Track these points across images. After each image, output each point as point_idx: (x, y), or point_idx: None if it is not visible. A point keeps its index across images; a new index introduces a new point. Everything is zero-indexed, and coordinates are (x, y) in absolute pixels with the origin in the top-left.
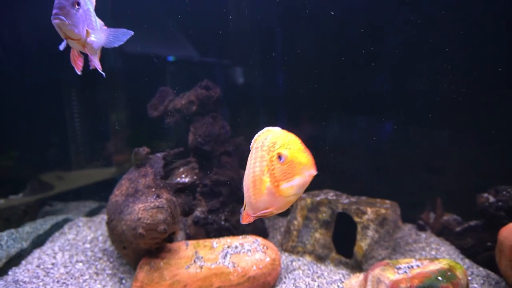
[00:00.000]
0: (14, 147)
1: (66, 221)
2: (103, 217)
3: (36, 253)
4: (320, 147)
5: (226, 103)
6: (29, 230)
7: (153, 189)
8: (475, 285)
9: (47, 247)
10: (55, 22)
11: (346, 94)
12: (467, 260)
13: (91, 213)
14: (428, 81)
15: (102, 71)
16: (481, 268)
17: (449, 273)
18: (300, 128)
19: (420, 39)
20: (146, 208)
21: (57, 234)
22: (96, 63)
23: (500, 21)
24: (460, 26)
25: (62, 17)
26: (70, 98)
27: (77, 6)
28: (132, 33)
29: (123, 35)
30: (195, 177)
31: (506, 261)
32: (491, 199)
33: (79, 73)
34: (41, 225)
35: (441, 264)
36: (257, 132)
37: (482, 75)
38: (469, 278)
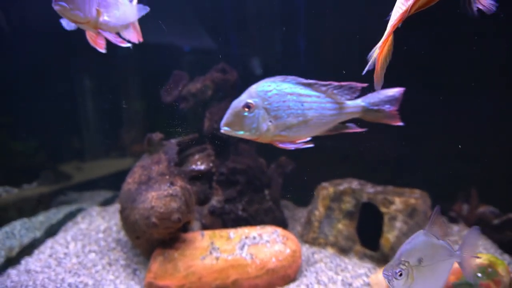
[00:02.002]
0: (34, 136)
1: (79, 210)
2: (117, 207)
3: (49, 242)
4: (343, 133)
5: (244, 88)
6: (42, 219)
7: (167, 177)
8: None
9: (60, 236)
10: (56, 8)
11: (371, 77)
12: (506, 256)
13: (105, 203)
14: (466, 66)
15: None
16: None
17: (489, 270)
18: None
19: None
20: (159, 196)
21: (70, 223)
22: (116, 41)
23: None
24: None
25: (62, 3)
26: (86, 87)
27: None
28: (148, 9)
29: (140, 10)
30: (211, 165)
31: None
32: None
33: (103, 51)
34: (55, 214)
35: (481, 259)
36: None
37: None
38: None
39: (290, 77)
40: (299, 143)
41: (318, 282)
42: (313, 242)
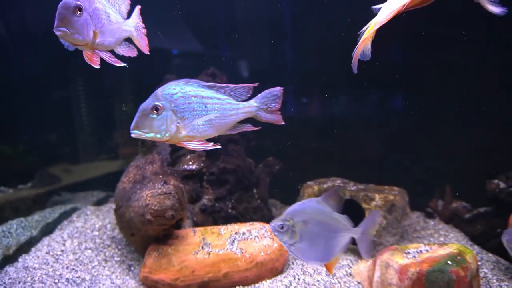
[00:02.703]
0: (22, 139)
1: (74, 210)
2: (110, 206)
3: (46, 240)
4: (327, 135)
5: None
6: (38, 218)
7: (161, 176)
8: (485, 270)
9: (56, 234)
10: (57, 34)
11: (354, 81)
12: (476, 247)
13: (99, 203)
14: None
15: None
16: (490, 254)
17: (458, 258)
18: (307, 116)
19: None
20: (153, 194)
21: (65, 222)
22: (111, 61)
23: None
24: None
25: (63, 28)
26: (77, 89)
27: (78, 12)
28: (147, 52)
29: (143, 49)
30: (202, 164)
31: None
32: (502, 185)
33: (97, 67)
34: (50, 213)
35: (451, 249)
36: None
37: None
38: (480, 264)
39: (192, 80)
40: (203, 143)
41: (304, 273)
42: None
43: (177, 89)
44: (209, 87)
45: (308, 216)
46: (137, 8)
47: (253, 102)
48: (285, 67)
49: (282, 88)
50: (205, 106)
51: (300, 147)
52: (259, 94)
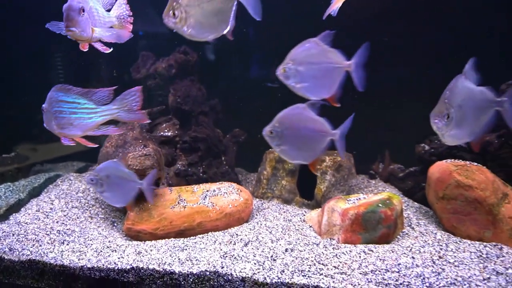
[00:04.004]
0: None
1: (58, 176)
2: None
3: (34, 201)
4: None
5: (205, 68)
6: (24, 183)
7: (140, 141)
8: (409, 213)
9: (44, 196)
10: (68, 33)
11: None
12: (406, 198)
13: (80, 171)
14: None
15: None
16: (416, 203)
17: (387, 201)
18: (270, 90)
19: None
20: (135, 156)
21: (51, 186)
22: (102, 49)
23: None
24: None
25: (73, 28)
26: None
27: (82, 13)
28: (131, 35)
29: (126, 37)
30: (176, 132)
31: (431, 191)
32: (426, 147)
33: (84, 50)
34: (35, 179)
35: (382, 195)
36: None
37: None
38: (405, 209)
39: (60, 85)
40: (82, 140)
41: (266, 219)
42: (262, 196)
43: (52, 94)
44: (72, 91)
45: (292, 122)
46: (118, 1)
47: (111, 106)
48: (250, 43)
49: (140, 87)
50: (68, 110)
51: (264, 119)
52: (118, 97)
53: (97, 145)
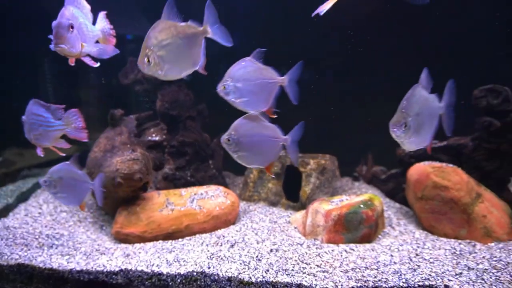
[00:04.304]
0: None
1: None
2: None
3: (22, 206)
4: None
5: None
6: (12, 188)
7: (128, 145)
8: (390, 213)
9: (32, 201)
10: (57, 49)
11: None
12: (387, 199)
13: None
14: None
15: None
16: (397, 204)
17: (369, 202)
18: None
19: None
20: (123, 160)
21: (39, 191)
22: (90, 63)
23: None
24: None
25: (62, 45)
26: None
27: (71, 29)
28: (118, 51)
29: (112, 51)
30: (164, 137)
31: (411, 192)
32: (406, 150)
33: (72, 64)
34: (23, 184)
35: (364, 197)
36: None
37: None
38: (387, 209)
39: (33, 100)
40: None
41: (252, 221)
42: (249, 199)
43: (28, 107)
44: (41, 107)
45: (247, 130)
46: (102, 14)
47: (61, 122)
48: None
49: (76, 109)
50: (35, 122)
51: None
52: (65, 114)
53: (64, 155)
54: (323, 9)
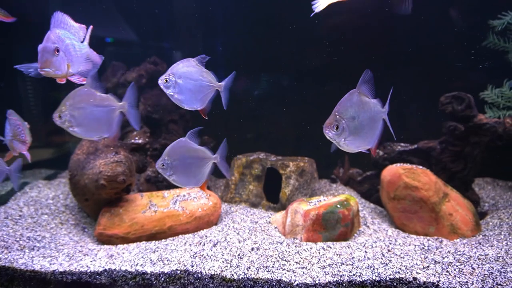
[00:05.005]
0: None
1: (26, 184)
2: (60, 181)
3: (1, 209)
4: (255, 119)
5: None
6: None
7: (111, 148)
8: (365, 213)
9: (12, 203)
10: (42, 73)
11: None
12: (363, 200)
13: (48, 178)
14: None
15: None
16: (372, 204)
17: (345, 202)
18: (236, 107)
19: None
20: (106, 162)
21: (19, 194)
22: (79, 81)
23: None
24: None
25: (47, 69)
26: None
27: (57, 53)
28: (103, 58)
29: (98, 62)
30: (147, 140)
31: (384, 192)
32: (380, 153)
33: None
34: (2, 186)
35: (340, 197)
36: None
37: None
38: (362, 209)
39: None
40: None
41: (233, 222)
42: (230, 201)
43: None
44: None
45: (179, 154)
46: (90, 29)
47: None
48: (218, 54)
49: (20, 124)
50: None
51: (232, 127)
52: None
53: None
54: (319, 7)
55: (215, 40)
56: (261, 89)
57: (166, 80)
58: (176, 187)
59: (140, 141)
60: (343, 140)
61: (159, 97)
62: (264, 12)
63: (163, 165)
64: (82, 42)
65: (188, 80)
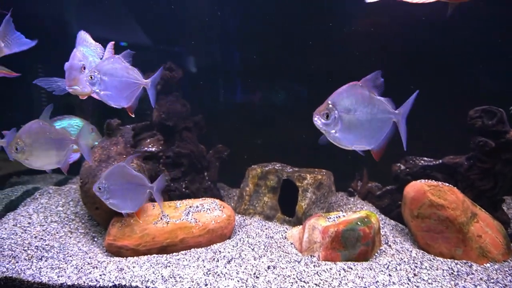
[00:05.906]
0: None
1: (36, 189)
2: (71, 187)
3: (11, 215)
4: (270, 126)
5: (186, 84)
6: (0, 196)
7: (124, 156)
8: (386, 230)
9: (21, 210)
10: (70, 91)
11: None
12: (383, 216)
13: (59, 184)
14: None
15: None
16: (392, 221)
17: (366, 219)
18: (251, 116)
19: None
20: None
21: (29, 199)
22: (100, 98)
23: None
24: None
25: (75, 87)
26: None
27: (83, 70)
28: None
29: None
30: (160, 147)
31: (407, 209)
32: (402, 167)
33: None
34: (12, 192)
35: (361, 214)
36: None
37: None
38: (382, 226)
39: None
40: None
41: (248, 236)
42: (244, 212)
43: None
44: None
45: (117, 179)
46: (110, 44)
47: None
48: (234, 62)
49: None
50: None
51: (247, 136)
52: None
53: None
54: None
55: (232, 46)
56: (276, 97)
57: (91, 77)
58: (188, 196)
59: (153, 149)
60: (333, 132)
61: (174, 104)
62: (281, 19)
63: (99, 188)
64: (101, 59)
65: (113, 77)
